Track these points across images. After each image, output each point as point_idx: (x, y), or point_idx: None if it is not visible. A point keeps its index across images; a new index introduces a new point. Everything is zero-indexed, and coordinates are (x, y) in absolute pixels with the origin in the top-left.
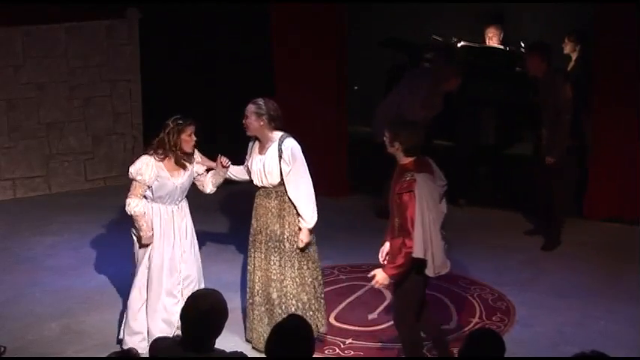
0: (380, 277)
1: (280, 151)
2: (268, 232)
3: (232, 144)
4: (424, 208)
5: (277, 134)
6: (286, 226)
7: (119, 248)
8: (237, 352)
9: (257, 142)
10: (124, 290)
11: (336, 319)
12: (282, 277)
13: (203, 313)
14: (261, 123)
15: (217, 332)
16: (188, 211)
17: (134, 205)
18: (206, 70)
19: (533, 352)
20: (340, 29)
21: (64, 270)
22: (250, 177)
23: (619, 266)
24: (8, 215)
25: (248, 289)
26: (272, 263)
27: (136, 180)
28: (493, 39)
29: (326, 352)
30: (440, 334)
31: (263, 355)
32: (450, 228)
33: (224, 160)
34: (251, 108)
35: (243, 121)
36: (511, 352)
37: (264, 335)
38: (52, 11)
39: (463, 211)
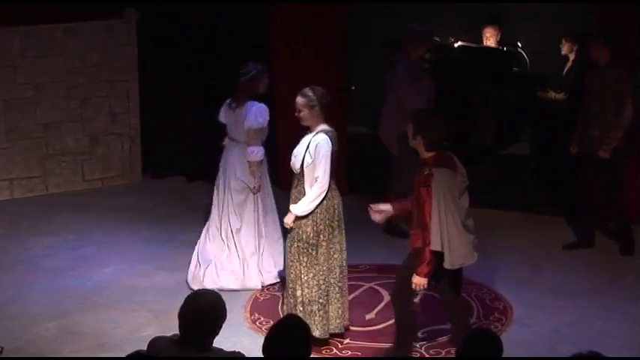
0: (416, 280)
1: (310, 142)
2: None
3: None
4: (441, 202)
5: (321, 127)
6: (302, 233)
7: (116, 248)
8: (235, 351)
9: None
10: (122, 290)
11: None
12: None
13: (202, 312)
14: (315, 113)
15: (215, 332)
16: None
17: (263, 152)
18: (204, 70)
19: (530, 352)
20: (340, 29)
21: (61, 270)
22: None
23: (616, 265)
24: (5, 215)
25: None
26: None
27: (264, 127)
28: (490, 39)
29: (323, 352)
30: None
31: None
32: None
33: None
34: (302, 101)
35: (296, 114)
36: (509, 352)
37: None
38: (50, 11)
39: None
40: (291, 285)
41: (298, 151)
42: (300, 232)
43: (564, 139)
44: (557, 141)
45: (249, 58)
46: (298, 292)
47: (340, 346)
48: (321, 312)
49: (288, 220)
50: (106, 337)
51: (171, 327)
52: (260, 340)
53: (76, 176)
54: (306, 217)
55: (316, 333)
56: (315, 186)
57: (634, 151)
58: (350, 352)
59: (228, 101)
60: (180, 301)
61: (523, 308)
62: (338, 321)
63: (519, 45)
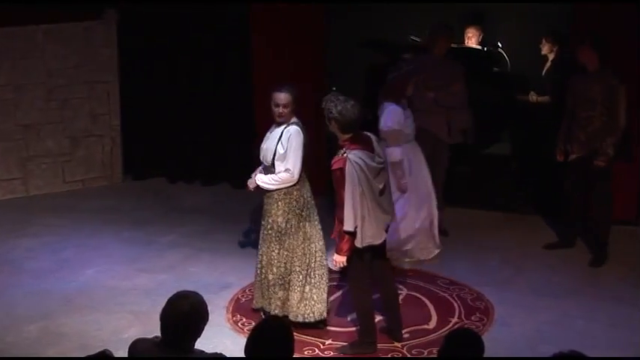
0: (336, 257)
1: (282, 133)
2: (267, 218)
3: (215, 143)
4: (355, 183)
5: (293, 119)
6: (280, 215)
7: (98, 250)
8: (217, 353)
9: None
10: (104, 292)
11: None
12: (274, 259)
13: (183, 314)
14: (293, 108)
15: (197, 334)
16: None
17: (398, 153)
18: (185, 71)
19: (511, 352)
20: (319, 30)
21: (43, 272)
22: None
23: (595, 266)
24: None
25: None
26: (264, 245)
27: (394, 129)
28: (472, 39)
29: (305, 352)
30: (394, 303)
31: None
32: None
33: None
34: (289, 98)
35: (281, 110)
36: (490, 351)
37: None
38: (29, 13)
39: (442, 211)
40: (263, 270)
41: (268, 144)
42: (271, 221)
43: (545, 140)
44: (537, 141)
45: (230, 59)
46: (270, 276)
47: (322, 347)
48: (284, 295)
49: (250, 184)
50: (88, 338)
51: (152, 329)
52: (242, 341)
53: (57, 178)
54: (277, 206)
55: (277, 311)
56: (286, 174)
57: (623, 155)
58: (332, 353)
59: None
60: (161, 303)
61: (504, 308)
62: (323, 305)
63: (500, 45)
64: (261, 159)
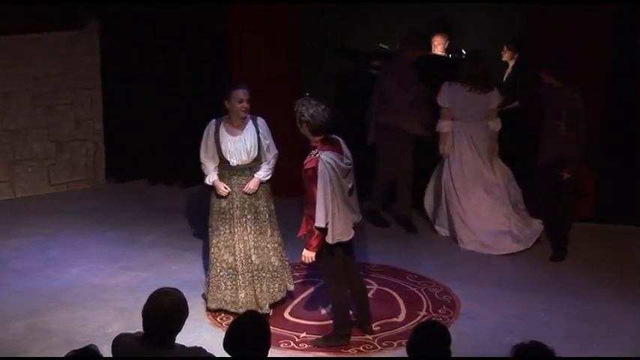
0: (305, 253)
1: (257, 126)
2: (247, 205)
3: (194, 146)
4: (326, 182)
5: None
6: (261, 198)
7: (83, 249)
8: (196, 347)
9: (222, 127)
10: (88, 290)
11: (290, 314)
12: (264, 244)
13: (164, 310)
14: (250, 104)
15: (178, 329)
16: None
17: None
18: (164, 76)
19: (477, 343)
20: (295, 34)
21: (29, 271)
22: (222, 159)
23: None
24: None
25: (221, 262)
26: (252, 232)
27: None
28: (438, 47)
29: (281, 345)
30: (363, 297)
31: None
32: (398, 225)
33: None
34: (248, 93)
35: (247, 105)
36: (456, 343)
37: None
38: (16, 23)
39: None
40: (249, 259)
41: (246, 143)
42: (263, 209)
43: (511, 141)
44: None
45: (208, 63)
46: (257, 261)
47: (297, 340)
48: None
49: (253, 185)
50: (74, 334)
51: (135, 324)
52: (221, 335)
53: (43, 181)
54: (267, 191)
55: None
56: (274, 159)
57: (589, 162)
58: (307, 346)
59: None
60: (144, 300)
61: (469, 302)
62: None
63: (464, 53)
64: (235, 160)
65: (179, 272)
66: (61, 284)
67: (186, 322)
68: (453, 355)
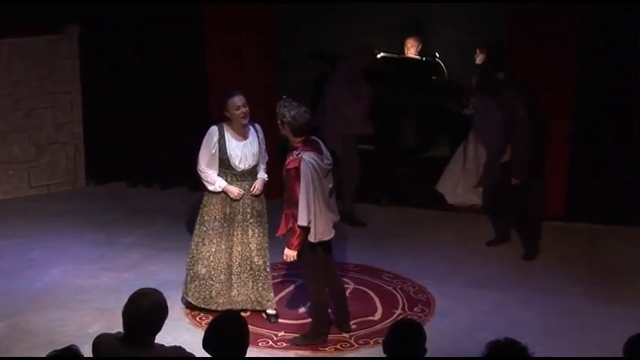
0: (287, 252)
1: (257, 131)
2: (249, 210)
3: (172, 149)
4: (309, 181)
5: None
6: (263, 201)
7: (63, 251)
8: (176, 346)
9: (226, 132)
10: (69, 290)
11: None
12: (267, 246)
13: (144, 310)
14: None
15: (158, 328)
16: None
17: None
18: (142, 80)
19: (451, 340)
20: (271, 36)
21: (11, 272)
22: (225, 165)
23: (529, 260)
24: None
25: (220, 269)
26: (255, 235)
27: None
28: (411, 50)
29: (260, 343)
30: (341, 296)
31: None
32: (374, 225)
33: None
34: (243, 99)
35: (246, 110)
36: (432, 340)
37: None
38: None
39: (385, 210)
40: (251, 259)
41: (253, 148)
42: (257, 211)
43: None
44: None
45: (185, 66)
46: (261, 261)
47: (275, 338)
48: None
49: (261, 186)
50: (55, 334)
51: (116, 324)
52: (200, 334)
53: (23, 183)
54: (262, 195)
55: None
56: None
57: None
58: (285, 344)
59: None
60: (124, 300)
61: (444, 300)
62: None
63: (437, 55)
64: (243, 165)
65: (158, 273)
66: (41, 285)
67: (165, 323)
68: (428, 352)
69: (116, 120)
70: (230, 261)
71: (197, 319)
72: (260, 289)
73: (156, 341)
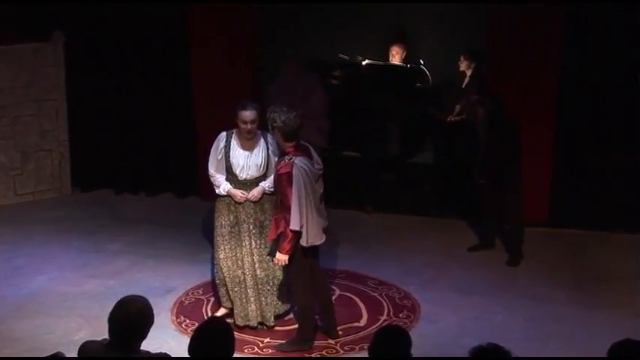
0: (279, 256)
1: (267, 143)
2: (252, 220)
3: (158, 156)
4: (301, 186)
5: (257, 131)
6: (267, 212)
7: (49, 258)
8: (162, 353)
9: (233, 140)
10: (54, 298)
11: None
12: (269, 258)
13: (130, 317)
14: (258, 124)
15: (143, 335)
16: None
17: None
18: (128, 87)
19: (437, 345)
20: (255, 45)
21: None
22: (229, 173)
23: (512, 265)
24: None
25: (233, 277)
26: (257, 246)
27: None
28: (396, 57)
29: (245, 350)
30: (328, 302)
31: None
32: (359, 232)
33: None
34: (254, 114)
35: (251, 127)
36: (417, 345)
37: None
38: None
39: (370, 216)
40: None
41: (256, 159)
42: (260, 222)
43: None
44: (457, 151)
45: (170, 74)
46: (263, 274)
47: (261, 345)
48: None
49: (258, 193)
50: (40, 342)
51: (101, 331)
52: (185, 341)
53: (9, 191)
54: (266, 206)
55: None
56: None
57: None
58: (270, 351)
59: None
60: (110, 307)
61: (429, 306)
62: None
63: (421, 62)
64: (244, 174)
65: (144, 280)
66: (27, 292)
67: (151, 329)
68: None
69: (102, 127)
70: (243, 274)
71: (183, 325)
72: (263, 303)
73: (142, 348)
